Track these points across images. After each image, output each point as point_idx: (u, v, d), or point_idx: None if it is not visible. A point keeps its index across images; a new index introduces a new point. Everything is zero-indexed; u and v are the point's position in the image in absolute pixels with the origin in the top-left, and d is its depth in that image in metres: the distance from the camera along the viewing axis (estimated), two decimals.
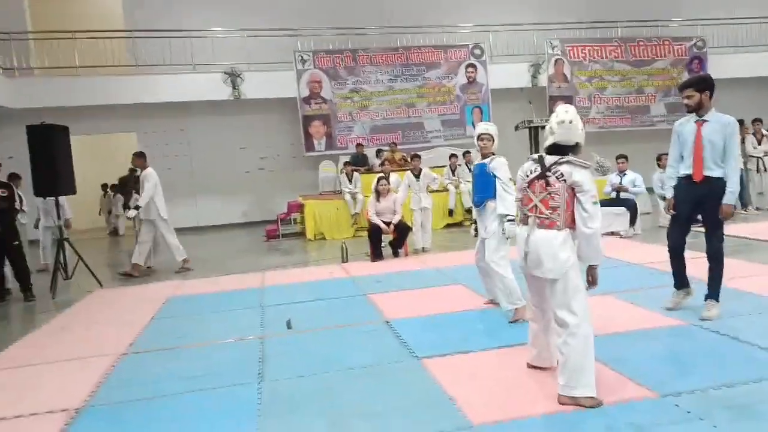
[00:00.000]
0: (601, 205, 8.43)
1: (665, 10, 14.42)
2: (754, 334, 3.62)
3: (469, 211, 10.51)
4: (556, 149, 2.87)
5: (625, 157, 8.47)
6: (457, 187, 10.52)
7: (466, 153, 10.94)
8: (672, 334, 3.82)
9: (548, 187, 2.81)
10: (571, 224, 2.81)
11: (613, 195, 8.26)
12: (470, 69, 13.08)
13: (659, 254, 6.43)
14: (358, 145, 12.03)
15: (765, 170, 9.81)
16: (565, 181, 2.77)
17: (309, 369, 3.55)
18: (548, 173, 2.82)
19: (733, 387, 2.86)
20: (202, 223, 12.70)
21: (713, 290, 4.07)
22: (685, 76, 13.79)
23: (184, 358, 4.02)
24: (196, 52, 12.25)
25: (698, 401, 2.72)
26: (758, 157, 9.78)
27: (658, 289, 4.87)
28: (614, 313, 4.31)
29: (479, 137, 4.52)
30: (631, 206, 8.12)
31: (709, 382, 2.93)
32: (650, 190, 9.17)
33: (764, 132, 9.86)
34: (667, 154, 9.10)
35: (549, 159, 2.86)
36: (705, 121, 3.94)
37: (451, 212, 10.54)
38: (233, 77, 12.31)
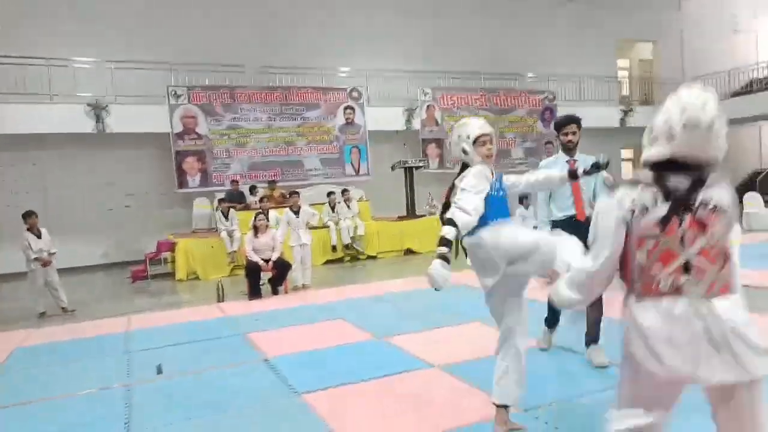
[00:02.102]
0: None
1: (522, 66, 16.09)
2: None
3: (348, 246, 10.69)
4: (670, 166, 1.70)
5: None
6: (337, 223, 10.67)
7: (345, 191, 11.17)
8: (532, 352, 4.16)
9: (705, 230, 1.64)
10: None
11: None
12: (349, 111, 13.52)
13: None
14: (233, 181, 11.78)
15: None
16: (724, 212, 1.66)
17: (182, 416, 3.35)
18: (697, 205, 1.65)
19: (582, 397, 3.20)
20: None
21: (595, 334, 3.84)
22: (539, 125, 15.42)
23: (33, 415, 3.59)
24: (55, 80, 11.34)
25: (553, 412, 3.02)
26: None
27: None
28: (486, 337, 4.59)
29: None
30: None
31: (562, 395, 3.25)
32: None
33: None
34: (526, 194, 9.88)
35: (681, 181, 1.68)
36: (575, 160, 3.73)
37: (334, 248, 10.63)
38: (97, 109, 11.53)
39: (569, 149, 3.86)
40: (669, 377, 1.65)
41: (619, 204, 1.73)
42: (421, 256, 10.89)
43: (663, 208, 1.66)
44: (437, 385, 3.63)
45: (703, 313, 1.60)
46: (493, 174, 2.72)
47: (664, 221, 1.65)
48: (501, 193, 2.77)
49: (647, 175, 1.71)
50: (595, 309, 3.70)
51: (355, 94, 13.56)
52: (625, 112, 16.32)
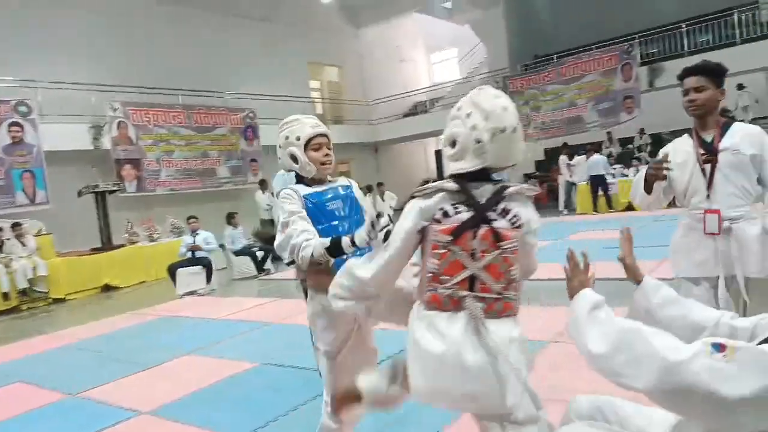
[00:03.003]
0: (179, 266, 8.55)
1: (221, 83, 15.98)
2: (309, 360, 4.32)
3: (25, 291, 8.94)
4: (480, 175, 1.64)
5: (196, 218, 8.86)
6: (7, 265, 8.82)
7: (16, 225, 9.34)
8: (249, 376, 4.16)
9: (499, 242, 1.58)
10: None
11: (189, 255, 8.49)
12: (15, 128, 11.34)
13: (236, 306, 7.00)
14: None
15: None
16: (520, 227, 1.63)
17: None
18: (492, 215, 1.60)
19: (297, 409, 3.34)
20: None
21: None
22: (243, 143, 15.54)
23: None
24: None
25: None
26: None
27: (236, 337, 5.29)
28: (200, 370, 4.41)
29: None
30: (207, 264, 8.52)
31: (269, 416, 3.32)
32: (222, 246, 9.85)
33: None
34: (235, 213, 9.80)
35: (484, 189, 1.62)
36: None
37: (5, 296, 8.73)
38: None
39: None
40: (431, 399, 1.61)
41: (415, 210, 1.63)
42: (123, 291, 9.85)
43: (462, 216, 1.58)
44: None
45: (478, 334, 1.52)
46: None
47: (458, 231, 1.57)
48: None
49: (451, 184, 1.61)
50: None
51: (22, 107, 11.46)
52: None
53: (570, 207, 13.46)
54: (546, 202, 15.80)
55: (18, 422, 3.79)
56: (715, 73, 2.39)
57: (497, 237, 1.56)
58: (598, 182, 12.37)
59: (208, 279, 8.52)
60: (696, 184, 2.46)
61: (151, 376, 4.49)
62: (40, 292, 9.16)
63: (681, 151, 2.53)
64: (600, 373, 1.34)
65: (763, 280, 2.36)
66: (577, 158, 12.81)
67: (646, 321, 1.41)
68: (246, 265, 9.62)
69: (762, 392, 1.07)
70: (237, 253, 9.66)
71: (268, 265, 9.80)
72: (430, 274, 1.60)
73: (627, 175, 12.78)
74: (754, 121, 14.40)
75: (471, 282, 1.57)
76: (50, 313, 8.53)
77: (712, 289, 2.46)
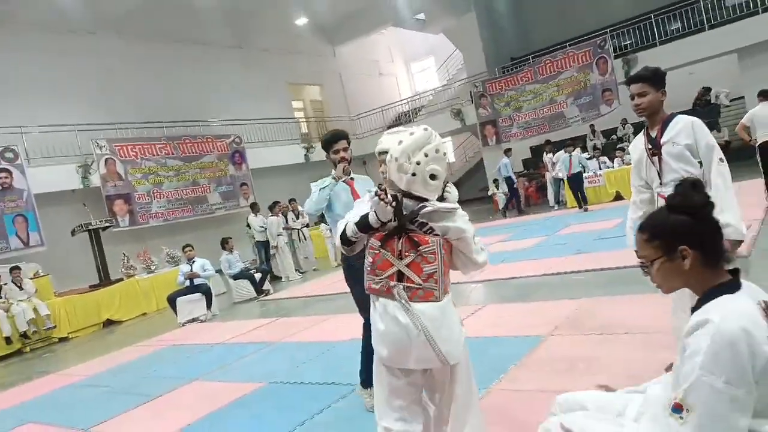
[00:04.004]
0: (179, 295, 8.59)
1: (204, 112, 16.12)
2: (313, 375, 4.41)
3: (25, 335, 8.96)
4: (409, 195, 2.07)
5: (191, 246, 8.93)
6: (8, 310, 8.84)
7: (14, 269, 9.38)
8: (256, 396, 4.24)
9: (418, 247, 2.03)
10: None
11: (187, 283, 8.55)
12: (3, 174, 11.41)
13: (238, 329, 7.08)
14: None
15: (305, 239, 12.03)
16: (438, 235, 2.05)
17: None
18: (412, 226, 2.06)
19: (303, 424, 3.42)
20: None
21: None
22: (232, 168, 15.67)
23: None
24: None
25: None
26: (298, 229, 11.91)
27: (240, 360, 5.36)
28: (208, 395, 4.48)
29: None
30: (206, 290, 8.59)
31: (286, 428, 3.41)
32: (219, 271, 9.91)
33: (300, 208, 12.07)
34: (229, 238, 9.86)
35: (410, 204, 2.06)
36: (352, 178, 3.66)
37: (8, 340, 8.76)
38: None
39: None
40: (389, 366, 2.08)
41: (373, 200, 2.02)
42: (125, 325, 9.89)
43: (391, 226, 2.02)
44: None
45: (409, 314, 2.00)
46: None
47: (385, 238, 2.04)
48: None
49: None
50: None
51: (9, 154, 11.54)
52: (307, 149, 17.84)
53: (560, 202, 13.61)
54: (537, 199, 15.98)
55: None
56: (653, 79, 2.69)
57: (415, 243, 2.01)
58: (573, 180, 12.41)
59: (209, 305, 8.58)
60: (651, 173, 2.82)
61: (159, 405, 4.55)
62: (48, 329, 9.18)
63: (637, 149, 2.91)
64: None
65: None
66: (558, 154, 12.96)
67: None
68: (245, 287, 9.70)
69: None
70: (235, 277, 9.74)
71: (267, 285, 9.87)
72: (368, 268, 2.08)
73: (611, 167, 12.98)
74: (731, 102, 14.76)
75: (400, 275, 2.02)
76: (54, 352, 8.55)
77: None
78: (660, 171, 2.75)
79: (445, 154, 2.08)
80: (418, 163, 1.97)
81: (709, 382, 1.25)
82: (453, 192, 2.30)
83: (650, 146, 2.78)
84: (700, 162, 2.67)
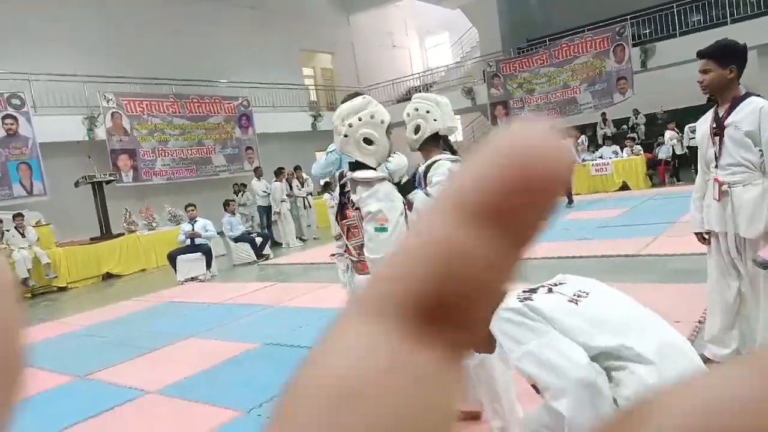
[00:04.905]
0: (179, 253, 8.63)
1: (213, 73, 15.95)
2: (309, 339, 4.44)
3: (25, 282, 9.05)
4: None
5: (194, 206, 8.94)
6: (9, 256, 8.90)
7: (17, 215, 9.40)
8: (251, 356, 4.30)
9: (344, 220, 2.24)
10: None
11: (188, 242, 8.58)
12: (9, 120, 11.36)
13: (237, 290, 7.13)
14: None
15: (309, 207, 12.03)
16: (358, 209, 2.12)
17: None
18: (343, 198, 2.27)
19: None
20: None
21: None
22: (238, 132, 15.57)
23: None
24: None
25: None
26: (303, 197, 11.91)
27: (238, 320, 5.41)
28: (204, 352, 4.53)
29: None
30: (206, 251, 8.62)
31: (271, 393, 3.45)
32: (220, 233, 9.95)
33: (304, 176, 12.04)
34: (231, 201, 9.83)
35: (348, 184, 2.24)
36: None
37: None
38: None
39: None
40: None
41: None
42: (124, 279, 9.96)
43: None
44: (155, 411, 3.46)
45: (352, 286, 2.21)
46: None
47: (337, 210, 2.26)
48: None
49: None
50: None
51: (15, 100, 11.47)
52: (315, 117, 17.70)
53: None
54: None
55: (32, 402, 3.90)
56: (717, 55, 2.56)
57: (344, 216, 2.11)
58: None
59: (208, 265, 8.63)
60: (710, 154, 2.73)
61: (155, 358, 4.61)
62: (50, 277, 9.26)
63: (702, 126, 2.82)
64: None
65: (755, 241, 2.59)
66: None
67: None
68: (245, 251, 9.73)
69: None
70: (236, 240, 9.76)
71: (267, 250, 9.91)
72: None
73: (621, 156, 12.92)
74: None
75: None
76: (53, 301, 8.64)
77: (724, 242, 2.77)
78: (718, 152, 2.66)
79: (383, 122, 2.10)
80: (350, 126, 2.04)
81: None
82: (394, 160, 2.17)
83: (714, 125, 2.68)
84: (761, 150, 2.55)
